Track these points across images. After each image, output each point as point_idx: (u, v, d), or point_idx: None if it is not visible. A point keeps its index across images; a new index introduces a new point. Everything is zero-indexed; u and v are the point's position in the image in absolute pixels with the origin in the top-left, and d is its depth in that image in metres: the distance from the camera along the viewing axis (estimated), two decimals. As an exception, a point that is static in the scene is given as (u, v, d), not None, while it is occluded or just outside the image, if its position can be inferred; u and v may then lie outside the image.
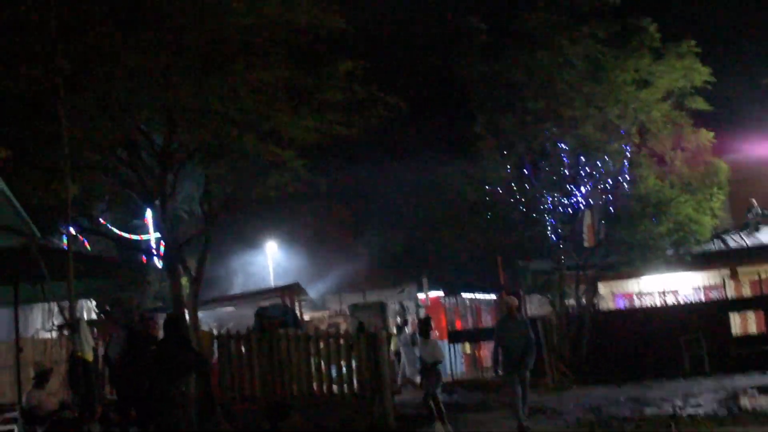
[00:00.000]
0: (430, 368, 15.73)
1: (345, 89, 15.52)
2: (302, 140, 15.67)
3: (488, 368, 29.82)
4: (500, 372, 14.73)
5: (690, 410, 15.54)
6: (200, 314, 29.47)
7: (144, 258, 19.93)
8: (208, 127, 14.83)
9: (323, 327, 31.71)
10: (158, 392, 15.20)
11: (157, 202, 15.66)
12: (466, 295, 34.19)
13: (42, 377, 13.18)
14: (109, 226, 21.79)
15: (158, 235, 18.69)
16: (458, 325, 34.18)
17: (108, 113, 14.02)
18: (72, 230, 10.96)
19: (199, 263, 16.91)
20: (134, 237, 23.24)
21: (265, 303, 23.67)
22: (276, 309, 19.94)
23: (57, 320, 25.72)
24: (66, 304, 11.54)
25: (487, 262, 32.67)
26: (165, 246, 15.94)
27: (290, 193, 17.46)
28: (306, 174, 16.69)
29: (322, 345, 17.07)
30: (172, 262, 15.88)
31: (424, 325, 16.77)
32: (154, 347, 15.54)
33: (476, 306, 35.20)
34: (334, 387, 17.00)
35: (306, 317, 33.44)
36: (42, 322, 25.29)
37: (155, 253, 17.06)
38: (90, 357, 10.00)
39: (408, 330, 29.28)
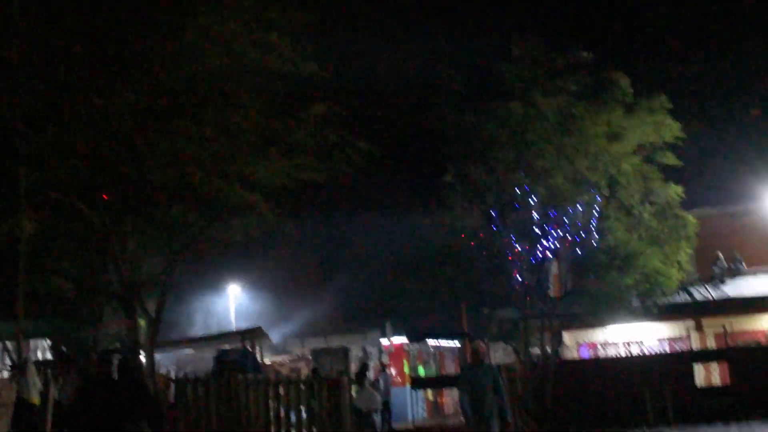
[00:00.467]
0: (364, 416, 15.21)
1: (316, 133, 15.26)
2: (270, 184, 15.35)
3: (449, 415, 29.61)
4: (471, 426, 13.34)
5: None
6: (159, 356, 29.01)
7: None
8: (175, 169, 14.48)
9: (284, 371, 31.30)
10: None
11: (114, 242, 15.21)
12: (430, 342, 33.83)
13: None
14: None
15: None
16: (421, 371, 33.89)
17: (72, 152, 13.63)
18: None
19: (159, 305, 16.43)
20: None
21: (226, 346, 23.28)
22: (236, 353, 19.57)
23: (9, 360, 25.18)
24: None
25: (452, 309, 32.49)
26: (123, 287, 15.48)
27: (256, 237, 17.13)
28: (273, 218, 16.33)
29: (281, 390, 16.71)
30: (130, 303, 15.44)
31: (360, 373, 16.23)
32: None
33: (439, 353, 34.86)
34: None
35: (267, 361, 32.97)
36: (-2, 361, 24.67)
37: (114, 293, 16.53)
38: (36, 400, 9.55)
39: (371, 376, 28.98)
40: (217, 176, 14.67)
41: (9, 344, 22.70)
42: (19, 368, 9.49)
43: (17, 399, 10.10)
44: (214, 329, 36.95)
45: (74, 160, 13.59)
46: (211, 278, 46.15)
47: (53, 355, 21.21)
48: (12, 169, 12.10)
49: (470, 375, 13.51)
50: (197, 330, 41.45)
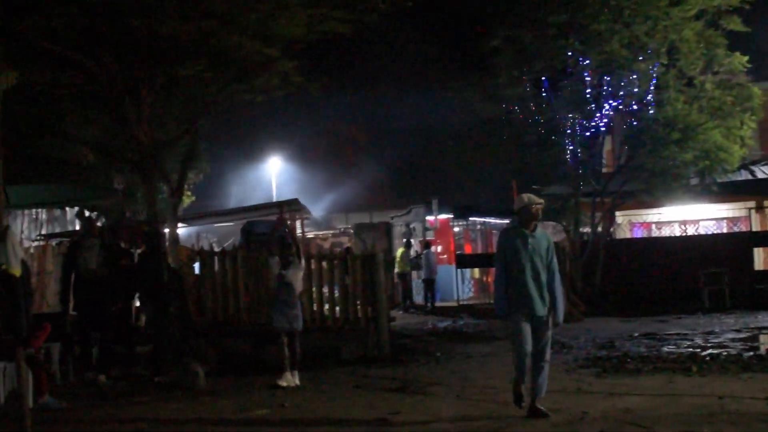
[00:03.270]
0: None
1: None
2: (290, 37, 14.06)
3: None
4: (505, 314, 9.38)
5: (711, 351, 14.12)
6: (199, 228, 28.42)
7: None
8: (188, 21, 13.23)
9: (326, 246, 30.57)
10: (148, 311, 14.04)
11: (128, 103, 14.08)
12: (477, 219, 32.77)
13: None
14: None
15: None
16: (468, 249, 33.01)
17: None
18: None
19: (181, 172, 15.48)
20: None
21: (265, 219, 22.44)
22: (265, 225, 18.60)
23: (43, 230, 24.64)
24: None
25: (501, 186, 31.35)
26: (139, 149, 14.42)
27: (279, 97, 15.94)
28: (297, 77, 15.10)
29: (313, 266, 15.76)
30: (147, 169, 14.42)
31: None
32: (124, 261, 14.34)
33: (488, 231, 33.82)
34: (326, 311, 15.81)
35: (309, 235, 32.25)
36: (29, 232, 24.18)
37: (130, 159, 15.49)
38: (18, 272, 8.60)
39: (413, 252, 28.16)
40: (234, 29, 13.40)
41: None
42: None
43: (-5, 270, 9.13)
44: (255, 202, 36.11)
45: (74, 8, 12.40)
46: (254, 152, 45.54)
47: (80, 222, 20.49)
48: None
49: (515, 242, 9.35)
50: (236, 203, 40.81)
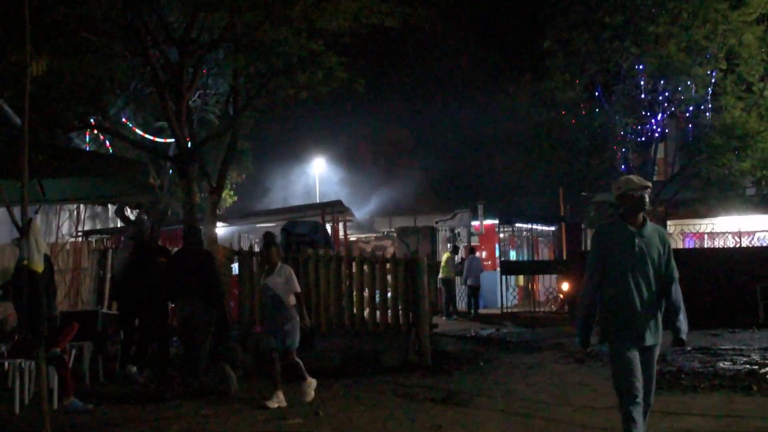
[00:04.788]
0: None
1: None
2: (336, 30, 13.55)
3: (543, 303, 28.08)
4: (596, 342, 7.25)
5: (770, 368, 13.37)
6: (241, 228, 28.07)
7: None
8: (231, 12, 12.80)
9: (369, 250, 30.16)
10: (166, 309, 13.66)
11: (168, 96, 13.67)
12: (523, 225, 32.08)
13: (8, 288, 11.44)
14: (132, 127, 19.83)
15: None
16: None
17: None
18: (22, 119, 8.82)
19: (221, 169, 15.04)
20: (158, 139, 21.32)
21: (307, 220, 22.00)
22: (305, 226, 18.06)
23: (83, 226, 24.44)
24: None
25: (549, 192, 30.72)
26: (177, 145, 14.01)
27: (324, 94, 15.38)
28: (342, 73, 14.56)
29: (354, 268, 15.25)
30: (185, 164, 13.98)
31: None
32: (163, 259, 13.90)
33: (534, 237, 33.09)
34: (366, 316, 15.28)
35: (352, 238, 31.82)
36: (69, 227, 24.00)
37: (168, 155, 15.14)
38: (39, 268, 8.16)
39: (458, 257, 27.58)
40: (278, 21, 12.92)
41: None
42: (21, 230, 8.04)
43: (17, 265, 8.69)
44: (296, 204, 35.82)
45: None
46: (298, 153, 45.29)
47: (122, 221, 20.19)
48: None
49: (616, 241, 7.08)
50: (281, 204, 40.54)
